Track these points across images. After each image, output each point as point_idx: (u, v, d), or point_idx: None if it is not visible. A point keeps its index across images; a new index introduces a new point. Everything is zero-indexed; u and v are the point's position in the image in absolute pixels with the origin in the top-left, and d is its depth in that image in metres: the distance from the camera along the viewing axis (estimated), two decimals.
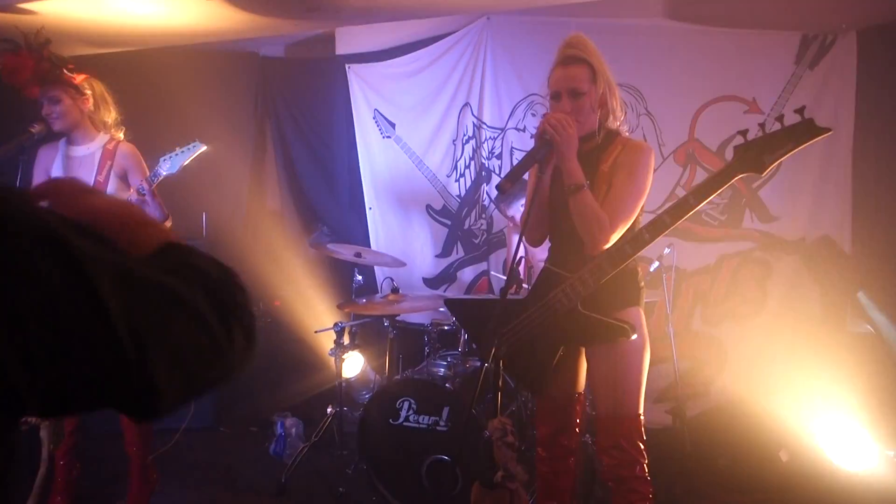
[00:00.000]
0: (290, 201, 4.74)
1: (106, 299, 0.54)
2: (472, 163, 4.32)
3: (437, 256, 4.44)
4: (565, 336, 2.06)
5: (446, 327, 3.39)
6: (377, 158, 4.45)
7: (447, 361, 3.18)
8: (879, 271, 3.64)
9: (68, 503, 2.74)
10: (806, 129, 1.76)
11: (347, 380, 3.63)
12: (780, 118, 1.80)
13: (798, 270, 3.96)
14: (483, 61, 4.17)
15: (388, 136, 4.42)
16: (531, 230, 2.20)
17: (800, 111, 1.77)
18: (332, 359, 3.52)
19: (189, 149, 2.71)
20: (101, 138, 2.77)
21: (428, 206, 4.40)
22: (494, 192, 4.12)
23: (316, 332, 3.81)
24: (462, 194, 4.35)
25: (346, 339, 3.51)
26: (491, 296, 3.78)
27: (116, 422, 2.69)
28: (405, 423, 2.87)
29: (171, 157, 2.68)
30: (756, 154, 1.80)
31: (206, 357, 0.62)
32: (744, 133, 1.84)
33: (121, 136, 2.82)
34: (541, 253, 3.01)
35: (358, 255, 3.51)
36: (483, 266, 4.34)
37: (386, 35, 4.38)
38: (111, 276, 0.56)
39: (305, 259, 4.41)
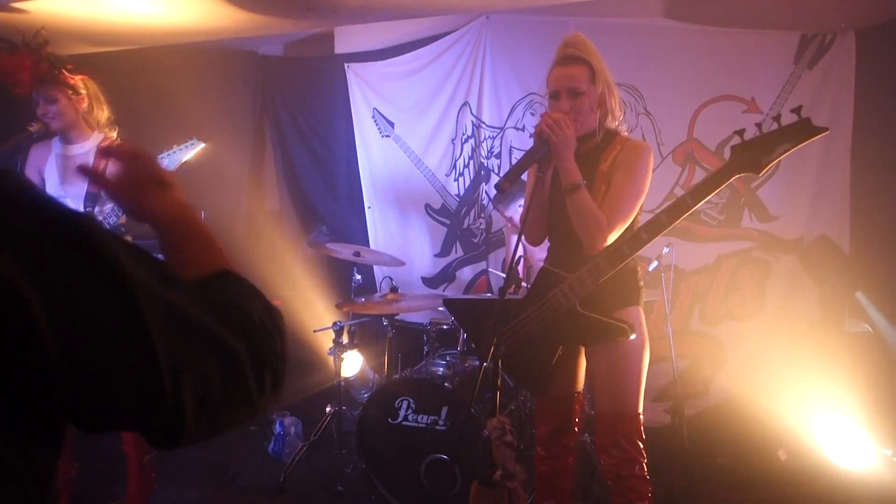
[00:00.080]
0: (289, 200, 4.74)
1: (154, 333, 0.57)
2: (471, 162, 4.32)
3: (435, 256, 4.44)
4: (564, 336, 2.06)
5: (445, 326, 3.39)
6: (376, 158, 4.45)
7: (446, 361, 3.18)
8: (878, 271, 3.64)
9: (66, 503, 2.74)
10: (803, 129, 1.76)
11: (346, 379, 3.63)
12: (776, 118, 1.80)
13: (796, 270, 3.97)
14: (482, 60, 4.17)
15: (388, 136, 4.42)
16: (531, 230, 2.20)
17: (796, 111, 1.77)
18: (331, 358, 3.52)
19: (187, 146, 2.71)
20: (96, 137, 2.78)
21: (427, 206, 4.40)
22: (493, 192, 4.13)
23: (315, 331, 3.81)
24: (461, 193, 4.35)
25: (345, 339, 3.52)
26: (490, 295, 3.78)
27: None
28: (404, 423, 2.87)
29: (168, 155, 2.69)
30: (753, 154, 1.80)
31: (236, 399, 0.65)
32: (741, 133, 1.84)
33: (114, 135, 2.83)
34: (539, 252, 3.01)
35: (357, 254, 3.51)
36: (482, 265, 4.34)
37: (385, 34, 4.38)
38: (162, 309, 0.59)
39: (304, 258, 4.41)
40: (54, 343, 0.52)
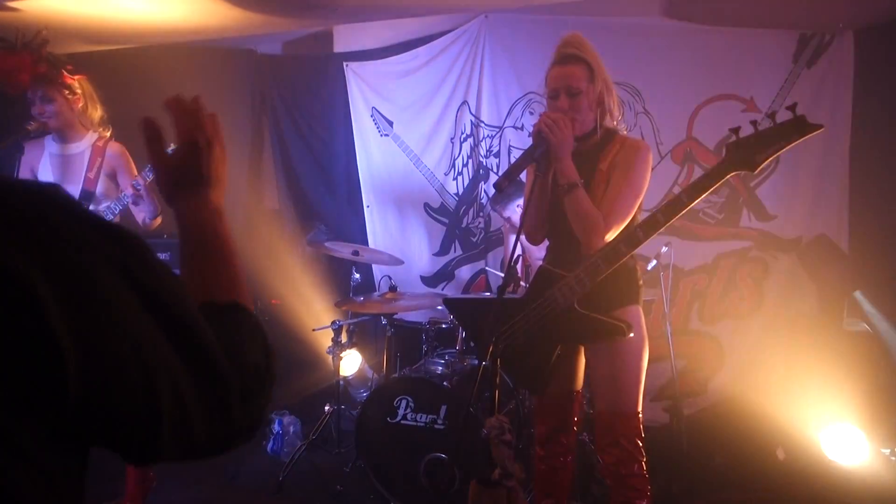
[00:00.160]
0: (288, 199, 4.73)
1: (155, 358, 0.57)
2: (470, 161, 4.31)
3: (434, 254, 4.44)
4: (563, 335, 2.06)
5: (444, 325, 3.39)
6: (375, 156, 4.44)
7: (445, 359, 3.19)
8: (876, 270, 3.64)
9: None
10: (798, 126, 1.75)
11: (345, 378, 3.63)
12: (772, 115, 1.80)
13: (795, 269, 3.97)
14: (481, 59, 4.17)
15: (386, 134, 4.41)
16: (531, 229, 2.20)
17: (791, 108, 1.76)
18: (330, 357, 3.52)
19: None
20: (90, 136, 2.78)
21: (426, 205, 4.40)
22: (492, 191, 4.12)
23: (314, 330, 3.81)
24: (460, 192, 4.35)
25: (343, 338, 3.52)
26: (489, 294, 3.78)
27: None
28: (403, 422, 2.87)
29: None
30: (748, 152, 1.80)
31: (217, 433, 0.64)
32: (735, 131, 1.82)
33: (108, 134, 2.83)
34: (538, 252, 3.01)
35: (356, 253, 3.51)
36: (481, 264, 4.34)
37: (384, 33, 4.38)
38: (172, 329, 0.59)
39: (303, 257, 4.41)
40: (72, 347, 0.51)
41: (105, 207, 2.76)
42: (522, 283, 3.29)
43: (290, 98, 4.62)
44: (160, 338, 0.59)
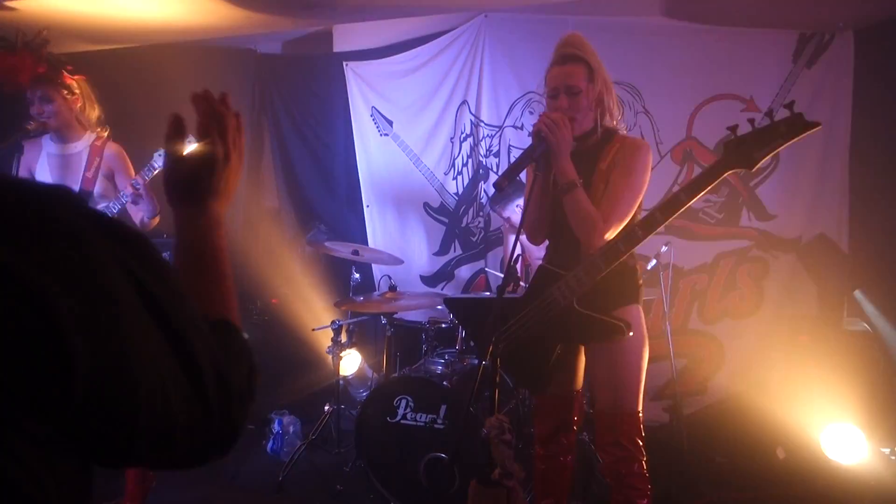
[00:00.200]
0: (288, 199, 4.73)
1: (144, 375, 0.57)
2: (470, 161, 4.31)
3: (434, 254, 4.44)
4: (562, 334, 2.06)
5: (444, 325, 3.39)
6: (375, 156, 4.44)
7: (444, 359, 3.18)
8: (876, 269, 3.64)
9: None
10: (795, 124, 1.75)
11: (345, 377, 3.63)
12: (769, 114, 1.80)
13: (795, 269, 3.97)
14: (481, 59, 4.17)
15: (386, 134, 4.41)
16: (532, 229, 2.20)
17: (789, 106, 1.76)
18: (330, 357, 3.52)
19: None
20: (88, 136, 2.78)
21: (425, 204, 4.40)
22: (492, 191, 4.12)
23: (313, 329, 3.81)
24: (459, 192, 4.35)
25: (343, 337, 3.51)
26: (489, 294, 3.78)
27: None
28: (402, 421, 2.87)
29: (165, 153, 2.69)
30: (746, 149, 1.80)
31: (195, 441, 0.64)
32: (733, 129, 1.82)
33: (105, 134, 2.83)
34: (538, 251, 3.01)
35: (355, 252, 3.51)
36: (480, 264, 4.34)
37: (384, 32, 4.38)
38: (170, 332, 0.60)
39: (303, 256, 4.41)
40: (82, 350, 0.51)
41: (103, 207, 2.76)
42: (522, 283, 3.29)
43: (290, 97, 4.61)
44: (160, 339, 0.59)
